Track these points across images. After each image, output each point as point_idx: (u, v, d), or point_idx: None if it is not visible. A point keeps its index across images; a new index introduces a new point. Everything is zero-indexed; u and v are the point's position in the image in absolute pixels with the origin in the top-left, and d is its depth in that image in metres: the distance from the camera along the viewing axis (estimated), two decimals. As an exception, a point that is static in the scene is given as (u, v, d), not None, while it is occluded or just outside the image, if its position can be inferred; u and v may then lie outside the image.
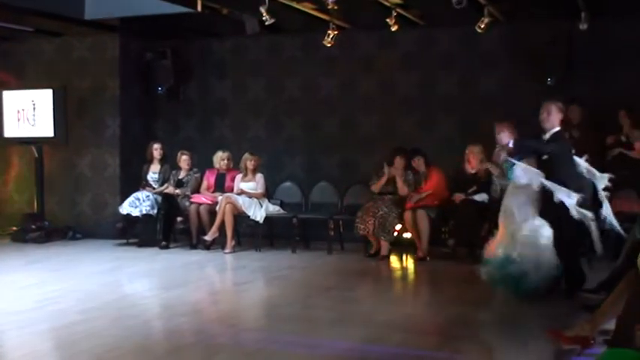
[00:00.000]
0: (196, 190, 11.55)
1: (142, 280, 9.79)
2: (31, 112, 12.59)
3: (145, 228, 11.61)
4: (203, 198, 11.28)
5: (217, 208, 10.95)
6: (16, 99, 12.69)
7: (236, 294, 9.19)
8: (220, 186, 11.37)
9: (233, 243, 10.86)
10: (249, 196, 10.99)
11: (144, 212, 11.37)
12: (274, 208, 11.18)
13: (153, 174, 11.69)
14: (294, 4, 9.81)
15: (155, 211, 11.43)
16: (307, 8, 10.02)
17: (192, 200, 11.36)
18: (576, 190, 6.87)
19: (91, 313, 7.35)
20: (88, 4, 11.20)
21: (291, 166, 12.16)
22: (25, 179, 13.15)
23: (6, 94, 12.65)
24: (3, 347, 6.20)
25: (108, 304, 7.85)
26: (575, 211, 6.81)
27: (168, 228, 11.49)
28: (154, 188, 11.53)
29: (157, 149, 11.66)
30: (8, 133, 12.70)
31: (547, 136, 7.24)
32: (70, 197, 12.85)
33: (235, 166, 11.44)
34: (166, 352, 6.06)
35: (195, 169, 11.71)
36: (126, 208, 11.45)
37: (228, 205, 10.78)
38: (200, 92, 12.88)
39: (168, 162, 11.80)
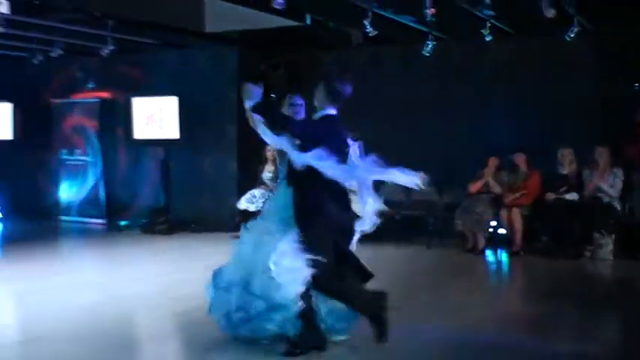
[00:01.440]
0: None
1: None
2: (159, 117, 13.73)
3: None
4: None
5: None
6: (145, 105, 13.83)
7: None
8: None
9: None
10: (355, 194, 11.70)
11: (259, 207, 11.83)
12: (379, 206, 11.75)
13: (267, 173, 12.33)
14: (395, 17, 10.24)
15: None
16: (407, 20, 10.39)
17: None
18: None
19: (202, 298, 8.04)
20: (208, 18, 11.82)
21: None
22: (152, 177, 14.12)
23: (135, 100, 13.80)
24: (134, 328, 6.92)
25: None
26: None
27: None
28: (267, 186, 12.19)
29: (270, 151, 12.13)
30: (138, 135, 13.88)
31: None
32: (193, 194, 13.72)
33: None
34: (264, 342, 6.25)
35: None
36: (243, 203, 12.19)
37: None
38: (311, 99, 13.43)
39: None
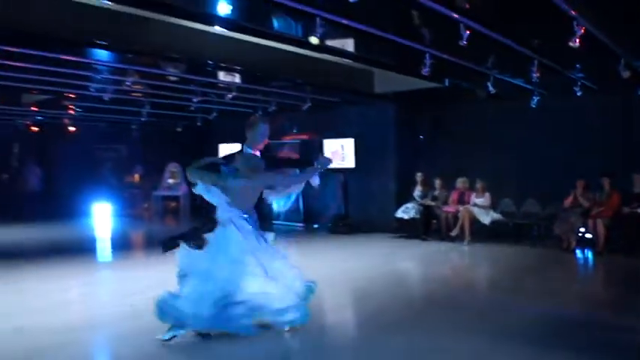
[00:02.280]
0: (445, 203, 13.82)
1: (408, 260, 11.46)
2: (341, 152, 15.57)
3: (412, 227, 13.82)
4: (450, 208, 13.58)
5: (459, 215, 13.22)
6: (332, 144, 15.87)
7: (469, 269, 11.06)
8: (461, 200, 13.53)
9: (469, 238, 12.91)
10: (480, 207, 13.25)
11: (411, 216, 13.85)
12: (497, 216, 13.21)
13: (418, 191, 14.19)
14: (510, 79, 11.05)
15: (418, 215, 13.77)
16: (519, 82, 11.29)
17: (443, 210, 13.67)
18: None
19: (373, 280, 8.99)
20: (376, 83, 13.48)
21: (509, 188, 13.59)
22: (336, 194, 15.89)
23: (325, 141, 15.92)
24: (318, 299, 6.99)
25: (384, 273, 9.70)
26: None
27: (427, 227, 13.83)
28: (417, 201, 14.05)
29: (419, 176, 14.20)
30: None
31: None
32: (364, 205, 15.39)
33: (471, 187, 13.56)
34: (417, 311, 7.18)
35: (444, 190, 13.98)
36: (400, 213, 13.98)
37: (466, 213, 13.13)
38: (448, 139, 14.54)
39: (428, 184, 14.15)
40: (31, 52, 9.74)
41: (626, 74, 9.63)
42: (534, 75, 9.74)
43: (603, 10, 7.63)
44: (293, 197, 16.02)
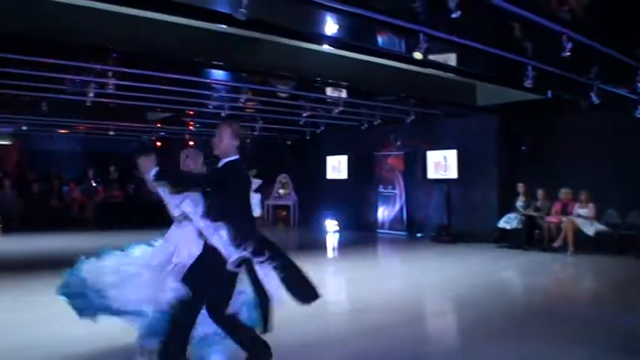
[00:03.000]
0: (548, 213, 13.45)
1: (510, 270, 11.28)
2: (443, 164, 15.72)
3: (514, 237, 13.52)
4: (553, 219, 13.22)
5: (562, 225, 12.89)
6: (435, 155, 15.88)
7: (572, 281, 10.85)
8: (564, 211, 13.16)
9: (572, 249, 12.58)
10: (584, 218, 12.84)
11: (514, 226, 13.56)
12: (601, 227, 12.74)
13: (520, 202, 13.83)
14: (614, 89, 10.62)
15: (521, 226, 13.48)
16: (622, 92, 10.70)
17: (545, 220, 13.38)
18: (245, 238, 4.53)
19: (475, 288, 8.89)
20: (479, 95, 13.23)
21: (613, 198, 13.10)
22: (439, 204, 15.81)
23: (429, 152, 16.01)
24: (424, 305, 7.74)
25: (486, 282, 9.59)
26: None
27: (529, 237, 13.46)
28: (519, 211, 13.74)
29: (521, 186, 13.83)
30: (429, 175, 15.97)
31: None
32: (466, 215, 15.21)
33: (574, 197, 13.14)
34: (519, 321, 7.01)
35: (547, 200, 13.60)
36: (502, 223, 13.74)
37: (569, 224, 12.75)
38: (550, 150, 14.14)
39: (530, 194, 13.78)
40: (155, 73, 10.30)
41: None
42: (639, 84, 9.44)
43: None
44: (397, 207, 16.24)
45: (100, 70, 10.27)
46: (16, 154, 20.57)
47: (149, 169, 4.64)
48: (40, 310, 6.98)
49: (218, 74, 10.86)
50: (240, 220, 4.62)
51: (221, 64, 9.72)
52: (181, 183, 4.93)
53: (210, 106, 13.48)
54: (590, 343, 6.04)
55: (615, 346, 5.98)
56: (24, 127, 17.66)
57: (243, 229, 4.56)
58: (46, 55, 9.21)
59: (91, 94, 11.44)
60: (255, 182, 5.04)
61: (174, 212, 5.19)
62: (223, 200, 4.67)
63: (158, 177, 4.62)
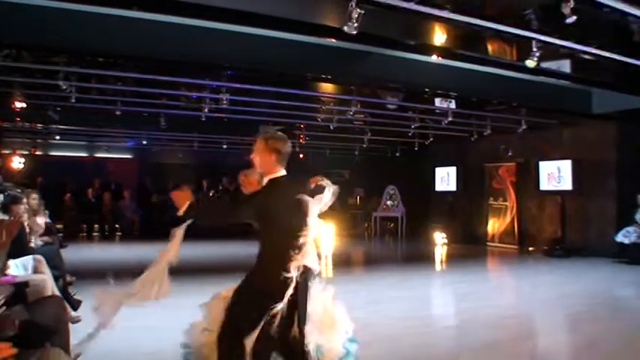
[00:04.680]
0: None
1: (629, 287, 10.80)
2: (557, 174, 15.22)
3: (633, 252, 12.81)
4: None
5: None
6: (548, 166, 15.40)
7: None
8: None
9: None
10: None
11: (632, 240, 12.90)
12: None
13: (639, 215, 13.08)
14: None
15: None
16: None
17: None
18: None
19: (591, 306, 8.68)
20: (595, 102, 12.64)
21: None
22: (552, 216, 15.53)
23: (541, 163, 15.54)
24: (533, 322, 7.65)
25: (603, 300, 9.30)
26: None
27: None
28: (639, 224, 12.95)
29: None
30: (542, 187, 15.55)
31: None
32: (582, 228, 14.72)
33: None
34: (638, 343, 6.68)
35: None
36: (620, 237, 13.08)
37: None
38: None
39: None
40: (266, 88, 10.66)
41: None
42: None
43: None
44: (508, 219, 15.94)
45: (215, 86, 10.72)
46: (136, 167, 21.64)
47: (182, 204, 4.08)
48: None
49: (326, 87, 11.06)
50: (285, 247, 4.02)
51: (330, 77, 9.90)
52: (211, 216, 4.41)
53: (319, 119, 13.65)
54: None
55: None
56: (144, 142, 18.57)
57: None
58: (168, 74, 9.78)
59: (206, 110, 11.90)
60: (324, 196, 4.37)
61: None
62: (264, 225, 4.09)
63: (185, 214, 4.09)
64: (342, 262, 14.40)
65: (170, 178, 20.25)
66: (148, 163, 21.42)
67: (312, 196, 4.28)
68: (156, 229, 17.99)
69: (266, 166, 4.24)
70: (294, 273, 3.96)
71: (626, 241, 13.12)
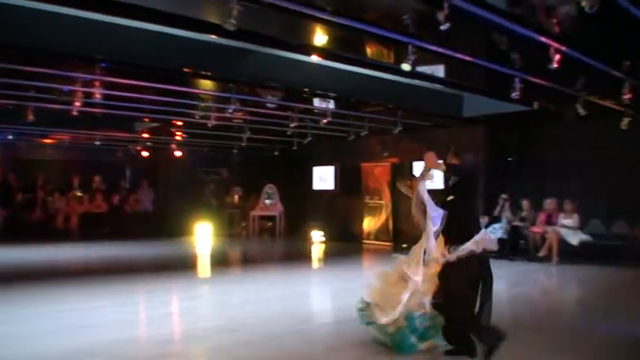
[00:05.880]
0: (533, 223, 13.57)
1: (496, 280, 11.65)
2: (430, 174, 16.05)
3: (500, 247, 13.72)
4: (538, 229, 13.31)
5: (546, 236, 13.01)
6: (422, 166, 15.69)
7: (556, 290, 10.82)
8: (549, 221, 13.27)
9: (556, 259, 12.68)
10: (568, 228, 12.97)
11: (498, 236, 12.09)
12: (586, 237, 12.84)
13: (506, 212, 13.77)
14: (599, 101, 10.80)
15: (506, 236, 13.43)
16: (608, 103, 10.98)
17: (530, 230, 13.50)
18: None
19: None
20: (465, 106, 13.30)
21: (598, 209, 13.22)
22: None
23: (415, 164, 15.45)
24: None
25: None
26: None
27: (514, 247, 13.58)
28: (505, 221, 13.65)
29: (505, 197, 13.72)
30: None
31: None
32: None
33: (559, 208, 13.23)
34: (506, 330, 6.03)
35: (532, 211, 13.74)
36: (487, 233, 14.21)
37: (554, 234, 12.87)
38: (536, 160, 14.23)
39: (514, 205, 13.78)
40: (143, 83, 10.29)
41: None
42: (625, 96, 9.55)
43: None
44: (383, 217, 16.33)
45: (88, 79, 10.26)
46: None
47: (435, 164, 5.41)
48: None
49: (206, 84, 10.88)
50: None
51: (209, 74, 9.76)
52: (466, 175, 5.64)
53: (197, 117, 13.46)
54: (574, 353, 6.05)
55: (600, 356, 6.04)
56: (10, 137, 17.51)
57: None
58: (35, 65, 9.22)
59: (78, 104, 11.38)
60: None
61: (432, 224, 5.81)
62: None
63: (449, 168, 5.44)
64: (219, 262, 14.29)
65: (38, 175, 19.25)
66: (13, 158, 20.17)
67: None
68: (20, 230, 17.23)
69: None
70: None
71: (494, 237, 13.57)
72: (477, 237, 5.37)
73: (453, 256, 5.28)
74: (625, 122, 11.76)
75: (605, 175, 13.18)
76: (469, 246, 5.30)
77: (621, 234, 12.95)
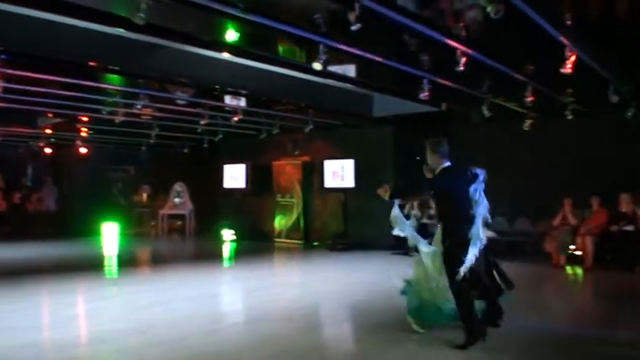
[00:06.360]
0: None
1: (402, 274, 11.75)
2: (340, 173, 15.97)
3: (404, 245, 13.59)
4: None
5: None
6: (332, 165, 16.12)
7: None
8: None
9: None
10: None
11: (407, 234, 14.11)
12: (490, 234, 12.66)
13: (415, 210, 14.09)
14: (504, 103, 11.11)
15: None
16: (511, 105, 11.37)
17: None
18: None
19: (371, 294, 9.16)
20: (375, 106, 13.49)
21: (502, 207, 12.58)
22: (335, 212, 16.20)
23: (326, 162, 16.22)
24: (323, 311, 8.10)
25: (382, 287, 9.64)
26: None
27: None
28: (414, 219, 13.74)
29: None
30: (327, 185, 16.26)
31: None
32: (362, 224, 15.38)
33: None
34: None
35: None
36: (396, 231, 13.06)
37: None
38: None
39: (423, 203, 13.84)
40: (48, 77, 9.86)
41: (614, 99, 9.81)
42: (527, 99, 9.86)
43: (593, 38, 7.81)
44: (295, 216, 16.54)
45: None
46: None
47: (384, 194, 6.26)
48: None
49: (114, 79, 10.54)
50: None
51: (117, 69, 9.48)
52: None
53: (104, 112, 13.04)
54: (480, 345, 6.08)
55: (505, 348, 6.14)
56: None
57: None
58: None
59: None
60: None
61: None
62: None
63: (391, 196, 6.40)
64: (127, 262, 13.99)
65: None
66: None
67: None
68: None
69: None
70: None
71: (402, 234, 13.66)
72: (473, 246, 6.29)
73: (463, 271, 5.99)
74: (527, 124, 12.24)
75: (509, 175, 13.30)
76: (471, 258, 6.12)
77: (524, 231, 13.48)
